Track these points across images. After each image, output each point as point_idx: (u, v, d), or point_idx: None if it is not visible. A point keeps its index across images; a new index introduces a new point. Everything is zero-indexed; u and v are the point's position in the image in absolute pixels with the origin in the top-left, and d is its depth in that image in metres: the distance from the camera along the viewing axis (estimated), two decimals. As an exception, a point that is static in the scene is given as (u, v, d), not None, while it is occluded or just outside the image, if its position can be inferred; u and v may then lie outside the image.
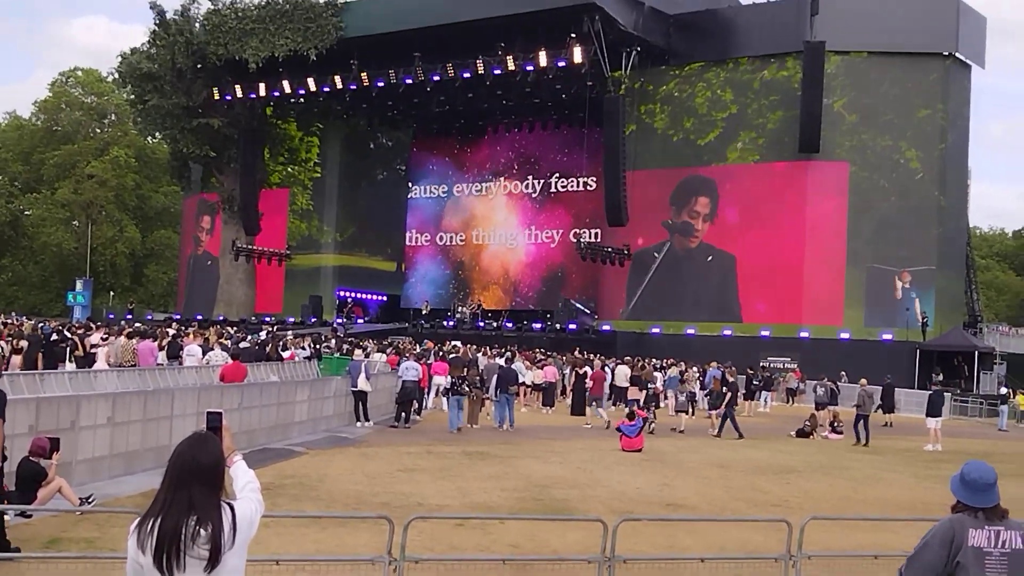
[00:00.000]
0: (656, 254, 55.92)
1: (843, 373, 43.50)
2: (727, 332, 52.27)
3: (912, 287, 51.04)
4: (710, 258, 54.46)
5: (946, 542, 5.22)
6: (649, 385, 32.61)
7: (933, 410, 29.16)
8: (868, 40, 51.98)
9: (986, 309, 74.37)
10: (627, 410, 27.15)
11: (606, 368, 36.16)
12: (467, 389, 27.56)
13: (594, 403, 32.38)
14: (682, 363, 42.34)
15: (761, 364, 47.11)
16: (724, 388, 30.32)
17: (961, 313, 55.51)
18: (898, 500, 18.15)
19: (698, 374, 39.52)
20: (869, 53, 52.23)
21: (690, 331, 53.09)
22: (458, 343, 44.15)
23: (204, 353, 27.07)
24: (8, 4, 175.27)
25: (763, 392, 42.02)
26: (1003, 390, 44.97)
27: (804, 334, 50.82)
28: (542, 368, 36.20)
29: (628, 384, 33.99)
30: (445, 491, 16.23)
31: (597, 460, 21.48)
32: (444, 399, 29.19)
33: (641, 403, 29.67)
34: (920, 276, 51.04)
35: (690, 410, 33.05)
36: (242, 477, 4.94)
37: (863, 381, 31.78)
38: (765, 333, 51.73)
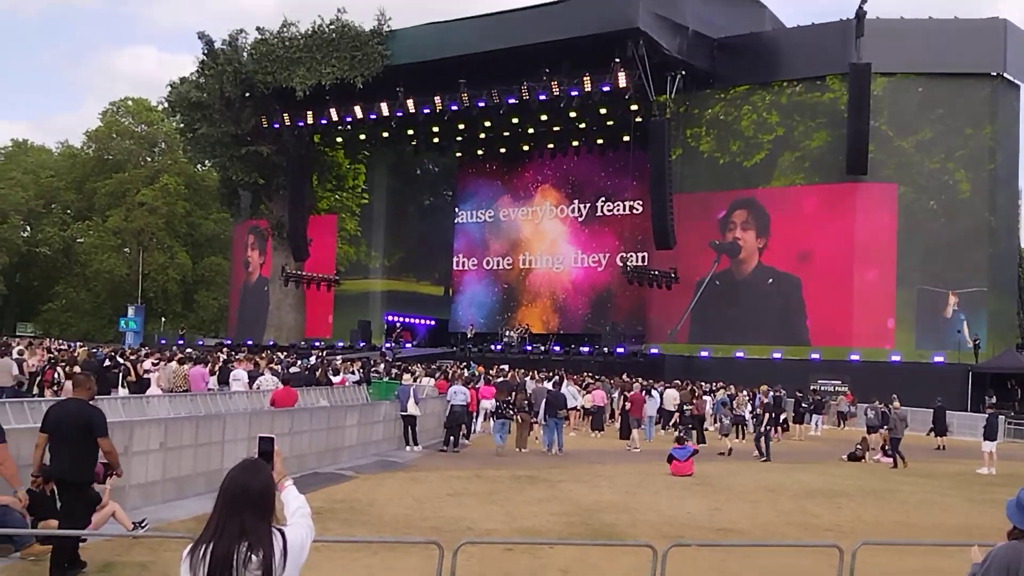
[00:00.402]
0: (706, 277, 55.72)
1: (894, 396, 43.04)
2: (777, 355, 51.94)
3: (963, 309, 50.55)
4: (771, 280, 54.19)
5: (1003, 568, 5.16)
6: (685, 407, 32.43)
7: (990, 433, 28.84)
8: (914, 61, 51.75)
9: (1039, 330, 73.37)
10: (676, 434, 27.08)
11: (653, 392, 36.05)
12: (511, 412, 27.71)
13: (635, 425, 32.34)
14: (731, 386, 42.14)
15: (812, 387, 46.78)
16: (761, 409, 30.26)
17: (1014, 335, 54.87)
18: (952, 525, 17.96)
19: (748, 397, 39.30)
20: (916, 74, 51.99)
21: (739, 354, 52.83)
22: (506, 367, 44.18)
23: (254, 378, 27.25)
24: (59, 36, 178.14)
25: (814, 415, 41.75)
26: (1057, 413, 44.39)
27: (854, 357, 50.42)
28: (590, 392, 36.13)
29: (676, 408, 33.90)
30: (494, 515, 16.24)
31: (646, 484, 21.41)
32: (491, 422, 29.40)
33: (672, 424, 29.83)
34: (971, 298, 50.56)
35: (739, 433, 32.91)
36: (293, 502, 5.00)
37: (895, 404, 31.58)
38: (815, 356, 51.39)
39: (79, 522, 10.38)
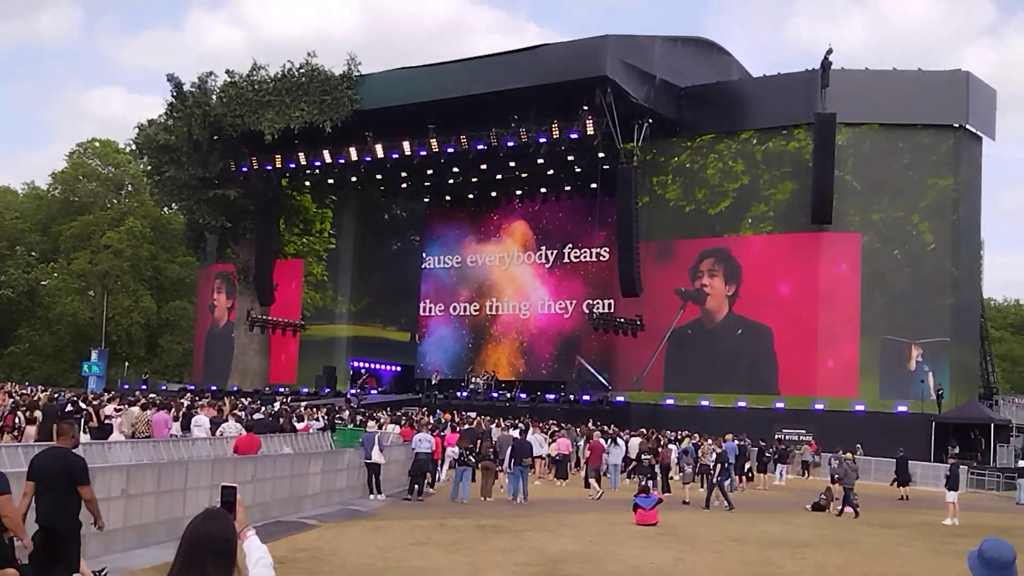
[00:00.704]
0: (672, 325, 55.84)
1: (858, 446, 43.30)
2: (741, 404, 52.03)
3: (926, 359, 50.86)
4: (740, 331, 54.34)
5: None
6: (643, 456, 32.37)
7: (952, 483, 28.96)
8: (879, 112, 52.36)
9: (1002, 381, 73.93)
10: (640, 483, 27.04)
11: (619, 440, 36.05)
12: (472, 460, 27.68)
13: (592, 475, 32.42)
14: (696, 435, 42.16)
15: (776, 436, 46.88)
16: (714, 459, 30.41)
17: (976, 385, 55.27)
18: (914, 575, 17.98)
19: (713, 446, 39.28)
20: (880, 125, 52.61)
21: (704, 403, 52.89)
22: (472, 414, 44.05)
23: (218, 424, 27.04)
24: (26, 75, 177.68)
25: (778, 464, 41.82)
26: (1020, 463, 44.49)
27: (819, 406, 50.61)
28: (555, 440, 36.05)
29: (635, 457, 33.87)
30: (458, 565, 16.14)
31: (611, 534, 21.36)
32: (454, 471, 29.40)
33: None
34: (934, 348, 50.88)
35: (703, 482, 32.89)
36: (255, 552, 4.97)
37: (848, 455, 31.93)
38: (780, 405, 51.54)
39: (75, 568, 10.41)
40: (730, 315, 54.92)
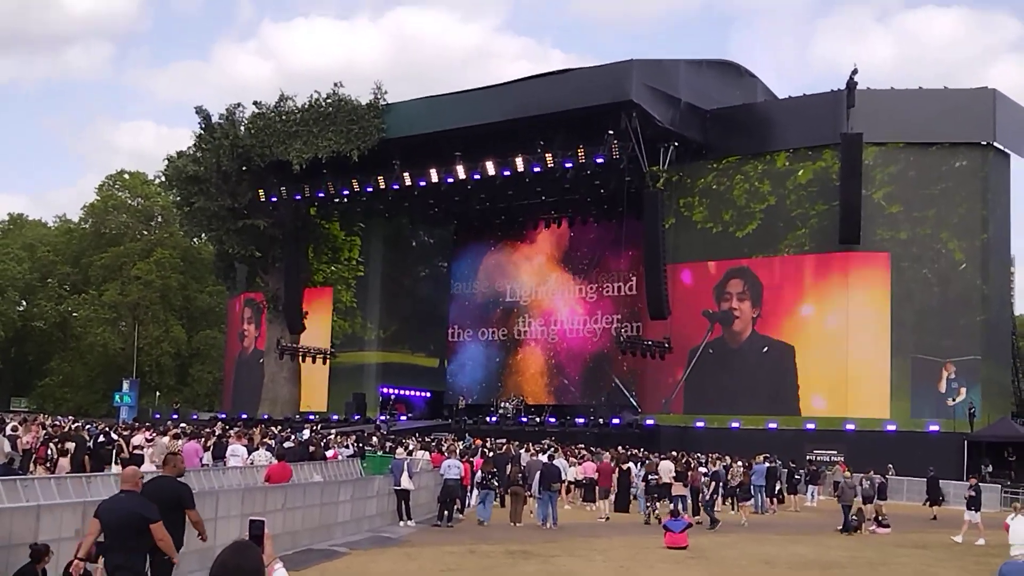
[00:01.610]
0: (699, 347, 55.75)
1: (890, 465, 43.05)
2: (772, 425, 51.83)
3: (958, 377, 50.59)
4: (766, 349, 54.26)
5: None
6: (651, 477, 32.46)
7: (973, 502, 28.90)
8: (905, 132, 52.25)
9: (1035, 398, 73.30)
10: (671, 507, 27.07)
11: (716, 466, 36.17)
12: (495, 484, 27.90)
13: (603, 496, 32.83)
14: (727, 457, 42.07)
15: (807, 457, 46.70)
16: (708, 478, 30.76)
17: (1009, 403, 54.88)
18: (946, 596, 17.93)
19: (743, 468, 39.18)
20: (907, 144, 52.47)
21: (734, 424, 52.73)
22: (502, 440, 44.05)
23: (249, 453, 27.16)
24: (57, 109, 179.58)
25: (810, 486, 41.63)
26: (1054, 481, 44.24)
27: (850, 426, 50.37)
28: (581, 464, 36.04)
29: (673, 480, 33.79)
30: (487, 591, 16.20)
31: (640, 558, 21.35)
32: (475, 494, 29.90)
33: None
34: (965, 366, 50.61)
35: (733, 505, 32.92)
36: (282, 585, 5.07)
37: (846, 473, 32.27)
38: (811, 426, 51.33)
39: None
40: (758, 336, 54.77)
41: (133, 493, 10.63)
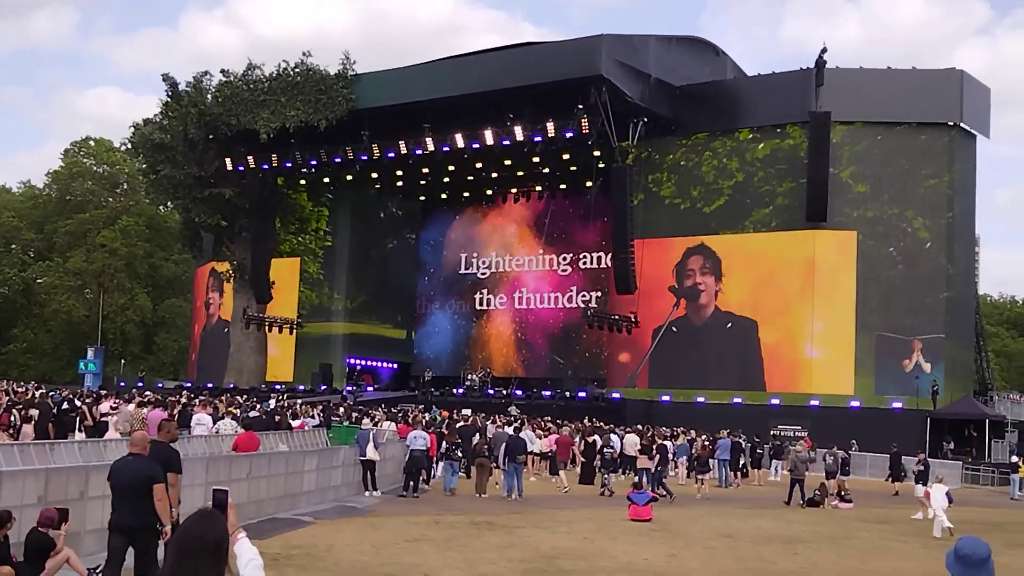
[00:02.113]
0: (667, 324, 55.96)
1: (853, 441, 43.43)
2: (737, 400, 52.16)
3: (921, 355, 51.00)
4: (729, 325, 54.52)
5: None
6: (605, 450, 32.84)
7: (921, 476, 29.48)
8: (873, 111, 52.47)
9: (997, 377, 74.14)
10: (635, 479, 27.20)
11: (613, 436, 36.22)
12: (459, 455, 28.07)
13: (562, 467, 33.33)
14: (691, 431, 42.35)
15: (771, 432, 47.02)
16: (654, 451, 31.08)
17: (971, 381, 55.42)
18: (907, 571, 18.11)
19: (706, 442, 39.43)
20: (874, 123, 52.72)
21: (700, 399, 53.00)
22: (468, 412, 44.16)
23: (214, 422, 27.10)
24: (22, 77, 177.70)
25: (773, 461, 41.96)
26: (1014, 459, 44.72)
27: (814, 402, 50.75)
28: (548, 436, 36.20)
29: (638, 453, 33.99)
30: (452, 562, 16.24)
31: (604, 530, 21.46)
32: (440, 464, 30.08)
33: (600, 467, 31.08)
34: (929, 344, 51.05)
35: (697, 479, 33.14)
36: (246, 554, 5.07)
37: (797, 447, 32.67)
38: (775, 401, 51.67)
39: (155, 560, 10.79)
40: (723, 312, 55.02)
41: (141, 456, 11.08)
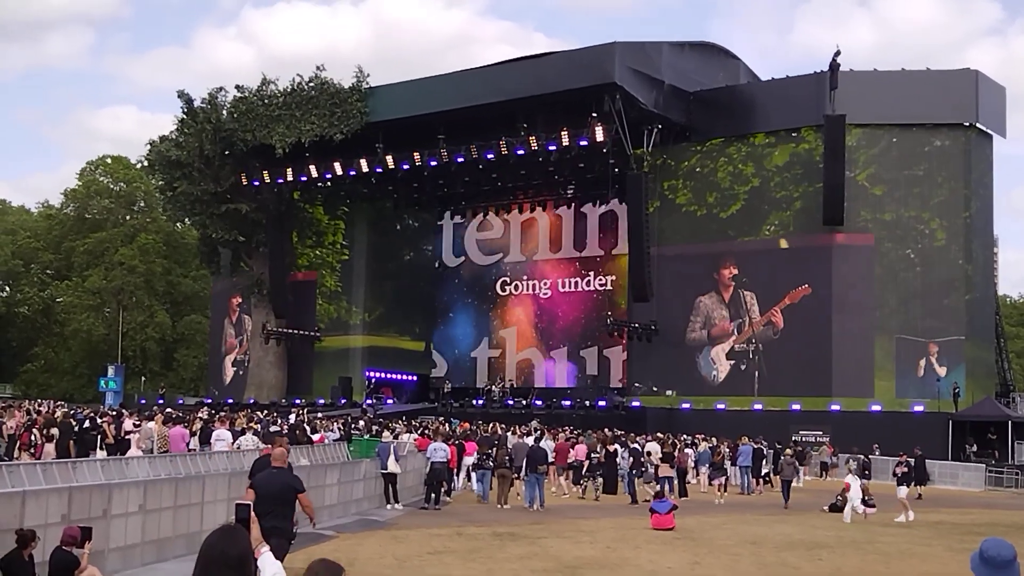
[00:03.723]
0: (685, 330, 55.78)
1: (875, 446, 43.32)
2: (757, 406, 52.00)
3: (942, 357, 50.76)
4: (750, 331, 54.24)
5: None
6: (593, 456, 32.98)
7: (904, 478, 29.67)
8: (888, 113, 52.25)
9: (1019, 378, 73.71)
10: (657, 488, 27.16)
11: (635, 443, 36.16)
12: (490, 464, 28.15)
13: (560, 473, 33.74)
14: (713, 439, 42.17)
15: (792, 438, 46.86)
16: (628, 454, 31.34)
17: (993, 383, 55.10)
18: (932, 574, 18.01)
19: (728, 450, 39.28)
20: (889, 125, 52.53)
21: (720, 406, 52.84)
22: (491, 424, 44.09)
23: (235, 438, 27.10)
24: (38, 97, 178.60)
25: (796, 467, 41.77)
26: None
27: (835, 407, 50.53)
28: (573, 447, 36.12)
29: (660, 462, 33.90)
30: (475, 573, 16.23)
31: (627, 539, 21.41)
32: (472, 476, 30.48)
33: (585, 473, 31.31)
34: (949, 346, 50.81)
35: (723, 486, 33.09)
36: (269, 568, 5.07)
37: (788, 451, 33.21)
38: (796, 407, 51.44)
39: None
40: (740, 318, 54.81)
41: (283, 469, 12.95)
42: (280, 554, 11.69)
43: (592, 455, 32.86)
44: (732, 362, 54.70)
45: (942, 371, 50.41)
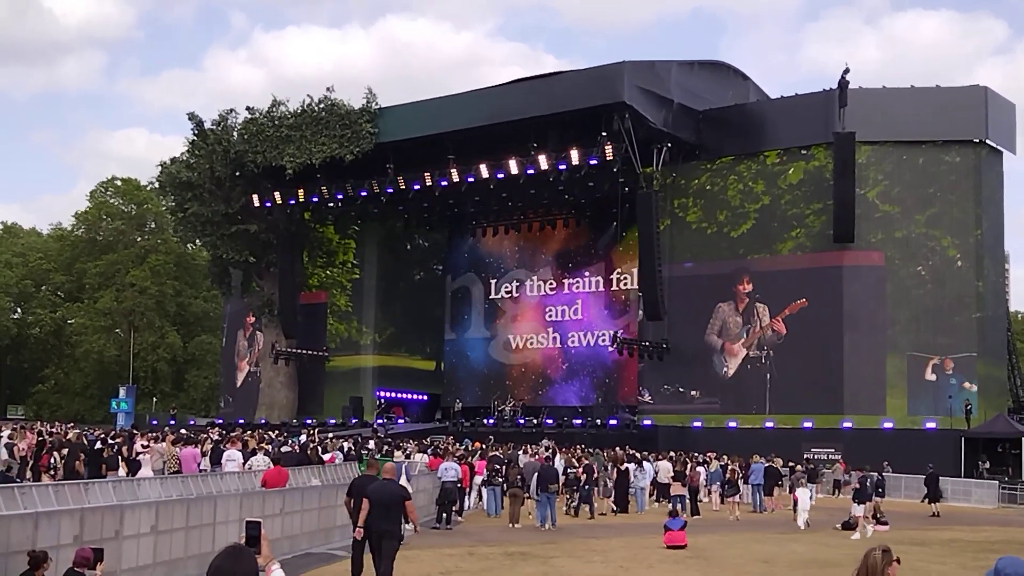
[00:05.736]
0: (696, 347, 55.68)
1: (887, 463, 43.15)
2: (769, 424, 51.88)
3: (953, 374, 50.61)
4: (762, 349, 54.16)
5: None
6: (569, 471, 32.97)
7: (859, 495, 29.57)
8: (898, 130, 52.23)
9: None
10: (670, 507, 27.11)
11: (645, 464, 36.13)
12: (500, 480, 28.23)
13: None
14: (724, 456, 42.02)
15: (805, 456, 46.70)
16: (580, 470, 32.15)
17: (1005, 400, 54.88)
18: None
19: (740, 468, 39.17)
20: (899, 142, 52.48)
21: (731, 424, 52.75)
22: (508, 444, 44.03)
23: (246, 458, 27.12)
24: (51, 120, 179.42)
25: (809, 484, 41.61)
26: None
27: (847, 424, 50.38)
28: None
29: (671, 480, 33.85)
30: (487, 593, 16.19)
31: (640, 558, 21.35)
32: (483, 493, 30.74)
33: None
34: (961, 363, 50.64)
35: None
36: (281, 585, 5.06)
37: (773, 464, 34.03)
38: (807, 424, 51.29)
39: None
40: (751, 335, 54.73)
41: (392, 480, 15.54)
42: (391, 553, 14.82)
43: (569, 470, 32.90)
44: (744, 362, 54.55)
45: (954, 388, 50.17)
